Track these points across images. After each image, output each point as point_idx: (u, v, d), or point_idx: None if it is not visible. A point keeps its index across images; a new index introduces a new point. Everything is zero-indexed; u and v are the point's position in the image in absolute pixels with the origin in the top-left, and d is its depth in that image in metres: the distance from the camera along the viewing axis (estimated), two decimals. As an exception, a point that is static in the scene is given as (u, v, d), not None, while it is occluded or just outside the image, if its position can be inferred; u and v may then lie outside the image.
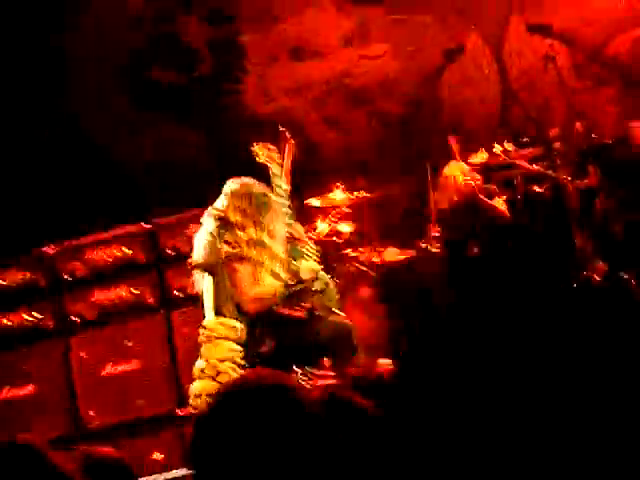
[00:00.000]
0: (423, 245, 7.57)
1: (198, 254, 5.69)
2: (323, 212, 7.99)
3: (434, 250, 7.37)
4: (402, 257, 7.84)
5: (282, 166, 6.34)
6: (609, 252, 7.48)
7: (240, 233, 5.60)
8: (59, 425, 7.01)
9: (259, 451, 1.87)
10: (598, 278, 6.91)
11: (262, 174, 6.11)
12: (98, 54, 9.84)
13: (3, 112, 9.36)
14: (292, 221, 6.08)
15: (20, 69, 9.56)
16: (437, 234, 7.48)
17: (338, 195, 8.00)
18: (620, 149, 8.20)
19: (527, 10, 9.46)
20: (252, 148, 6.27)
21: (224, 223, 5.61)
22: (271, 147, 6.29)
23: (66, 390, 7.14)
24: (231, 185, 5.75)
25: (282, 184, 6.17)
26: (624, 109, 9.01)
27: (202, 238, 5.71)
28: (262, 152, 6.25)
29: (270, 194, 5.84)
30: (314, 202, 7.97)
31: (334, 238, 7.85)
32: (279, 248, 5.74)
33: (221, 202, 5.69)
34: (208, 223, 5.68)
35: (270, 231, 5.70)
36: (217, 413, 1.97)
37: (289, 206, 6.09)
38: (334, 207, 7.95)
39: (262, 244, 5.64)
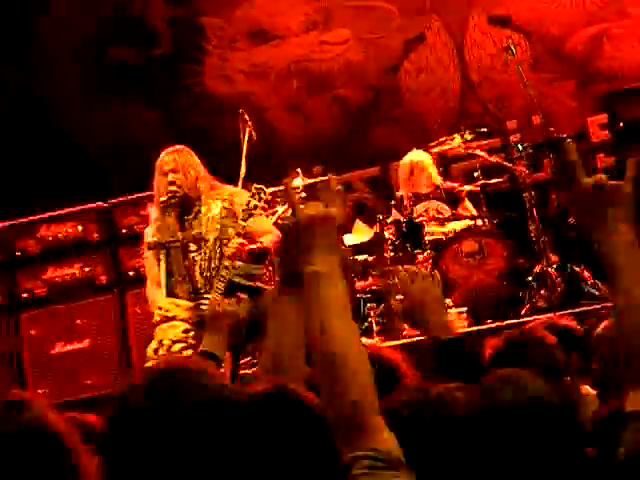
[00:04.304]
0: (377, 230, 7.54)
1: (151, 233, 5.63)
2: (281, 197, 7.93)
3: (388, 235, 7.34)
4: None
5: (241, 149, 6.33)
6: (562, 245, 7.54)
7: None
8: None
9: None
10: (552, 271, 6.96)
11: (218, 154, 6.06)
12: (62, 31, 9.74)
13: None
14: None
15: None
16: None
17: (297, 181, 7.95)
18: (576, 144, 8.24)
19: (488, 2, 9.49)
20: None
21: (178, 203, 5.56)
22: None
23: (15, 367, 7.09)
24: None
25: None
26: (581, 104, 9.07)
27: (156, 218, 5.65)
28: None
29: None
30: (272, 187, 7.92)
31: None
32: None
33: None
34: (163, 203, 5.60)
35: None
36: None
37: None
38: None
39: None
